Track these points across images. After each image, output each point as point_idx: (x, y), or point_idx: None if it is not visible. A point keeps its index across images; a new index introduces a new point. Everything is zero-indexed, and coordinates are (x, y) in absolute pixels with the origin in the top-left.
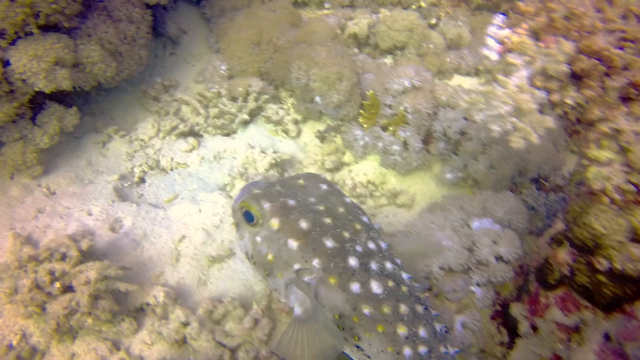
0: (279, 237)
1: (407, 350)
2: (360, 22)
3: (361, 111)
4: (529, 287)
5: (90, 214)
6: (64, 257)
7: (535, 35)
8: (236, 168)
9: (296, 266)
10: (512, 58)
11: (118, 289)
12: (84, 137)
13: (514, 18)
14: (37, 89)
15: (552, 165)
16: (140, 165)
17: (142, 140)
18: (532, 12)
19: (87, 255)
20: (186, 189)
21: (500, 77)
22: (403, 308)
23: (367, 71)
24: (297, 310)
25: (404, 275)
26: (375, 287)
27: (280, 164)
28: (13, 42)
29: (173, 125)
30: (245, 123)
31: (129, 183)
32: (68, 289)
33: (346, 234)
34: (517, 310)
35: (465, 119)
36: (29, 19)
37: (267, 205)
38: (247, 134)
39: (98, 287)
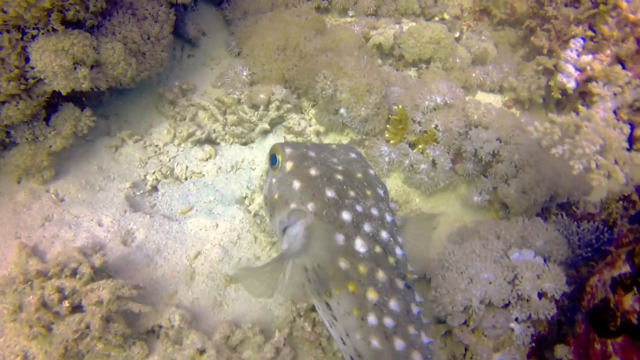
0: (287, 178)
1: (372, 318)
2: (385, 32)
3: (388, 126)
4: (575, 328)
5: (100, 225)
6: (74, 273)
7: (621, 63)
8: (255, 180)
9: (292, 205)
10: (597, 88)
11: (130, 310)
12: (96, 140)
13: (595, 44)
14: (55, 89)
15: (582, 190)
16: (153, 173)
17: (156, 146)
18: (618, 38)
19: (99, 272)
20: (201, 200)
21: (584, 109)
22: (381, 275)
23: (392, 84)
24: (284, 247)
25: (398, 251)
26: (360, 245)
27: None
28: (33, 38)
29: (190, 132)
30: (265, 132)
31: (141, 191)
32: (77, 308)
33: (351, 193)
34: (563, 352)
35: (499, 140)
36: (53, 15)
37: (288, 150)
38: (267, 144)
39: (110, 308)
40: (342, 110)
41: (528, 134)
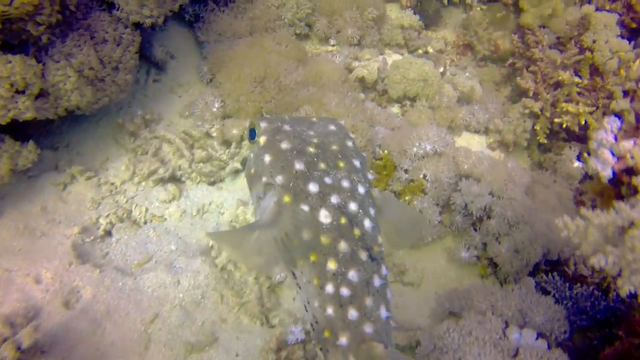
0: (261, 152)
1: (329, 287)
2: (369, 66)
3: (371, 171)
4: None
5: (38, 281)
6: None
7: None
8: (223, 227)
9: (264, 179)
10: None
11: None
12: (40, 176)
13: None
14: None
15: (573, 245)
16: (107, 216)
17: (112, 184)
18: None
19: (28, 352)
20: (162, 250)
21: (626, 208)
22: (343, 245)
23: (377, 123)
24: (256, 219)
25: (367, 223)
26: (324, 216)
27: None
28: None
29: (151, 169)
30: (237, 172)
31: (92, 237)
32: None
33: (322, 165)
34: None
35: (492, 194)
36: None
37: (263, 125)
38: (238, 184)
39: None
40: None
41: (521, 189)
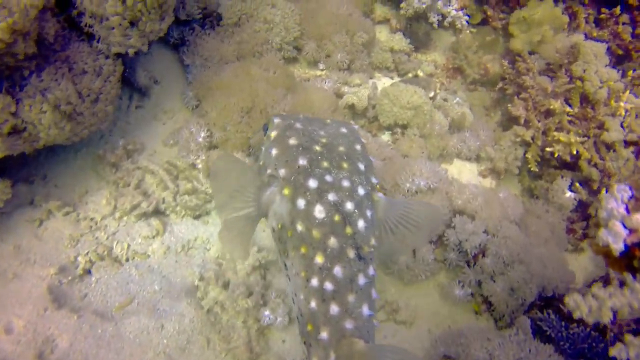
0: (270, 146)
1: (314, 280)
2: (359, 92)
3: None
4: None
5: (9, 331)
6: None
7: None
8: (209, 264)
9: (269, 171)
10: None
11: None
12: (14, 213)
13: None
14: None
15: (568, 280)
16: (87, 254)
17: (92, 219)
18: None
19: None
20: (145, 290)
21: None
22: (332, 241)
23: (368, 153)
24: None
25: (361, 223)
26: (318, 211)
27: (264, 265)
28: None
29: (134, 204)
30: None
31: (70, 278)
32: None
33: (325, 164)
34: None
35: (486, 232)
36: None
37: (277, 121)
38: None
39: None
40: None
41: (516, 226)
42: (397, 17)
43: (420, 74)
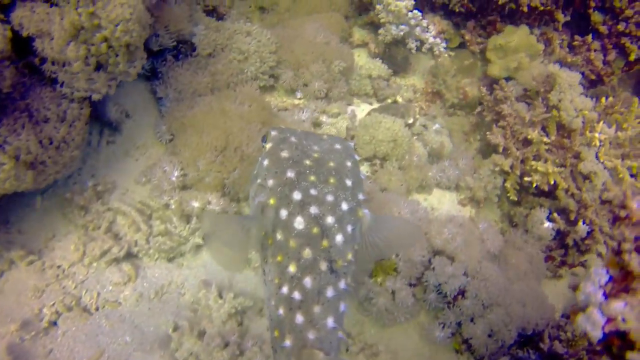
0: (263, 157)
1: (285, 288)
2: (337, 125)
3: None
4: None
5: None
6: None
7: None
8: (184, 311)
9: (258, 180)
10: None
11: None
12: None
13: (620, 282)
14: None
15: (547, 317)
16: (52, 305)
17: (59, 267)
18: None
19: None
20: (116, 342)
21: None
22: (307, 252)
23: None
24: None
25: (339, 238)
26: (298, 222)
27: (240, 312)
28: None
29: (104, 249)
30: (198, 247)
31: (33, 333)
32: None
33: (312, 178)
34: None
35: (466, 274)
36: None
37: (273, 133)
38: (199, 260)
39: None
40: None
41: (495, 265)
42: (375, 41)
43: (400, 99)
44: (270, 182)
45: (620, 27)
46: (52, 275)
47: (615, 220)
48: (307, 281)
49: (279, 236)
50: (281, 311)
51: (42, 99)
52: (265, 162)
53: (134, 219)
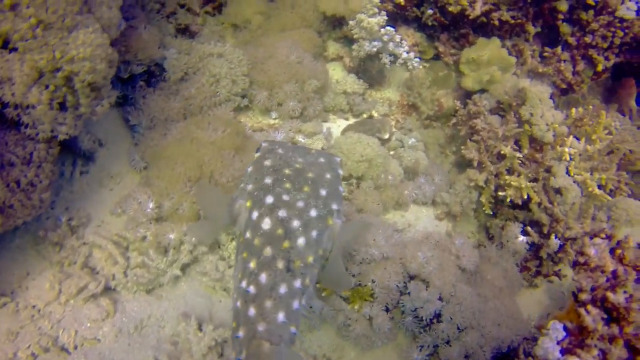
0: (250, 165)
1: (244, 282)
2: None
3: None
4: None
5: None
6: None
7: None
8: (165, 344)
9: (241, 185)
10: None
11: None
12: None
13: (577, 336)
14: None
15: (522, 335)
16: (28, 347)
17: (34, 307)
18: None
19: None
20: None
21: None
22: (268, 251)
23: None
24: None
25: (301, 240)
26: (265, 223)
27: (221, 343)
28: None
29: (81, 286)
30: (177, 278)
31: None
32: None
33: (287, 185)
34: None
35: (441, 299)
36: None
37: (264, 145)
38: (179, 291)
39: None
40: None
41: (470, 287)
42: (350, 55)
43: (375, 114)
44: (250, 187)
45: (587, 39)
46: (26, 317)
47: (575, 264)
48: (263, 277)
49: (247, 235)
50: (238, 304)
51: (7, 143)
52: (250, 169)
53: (110, 252)
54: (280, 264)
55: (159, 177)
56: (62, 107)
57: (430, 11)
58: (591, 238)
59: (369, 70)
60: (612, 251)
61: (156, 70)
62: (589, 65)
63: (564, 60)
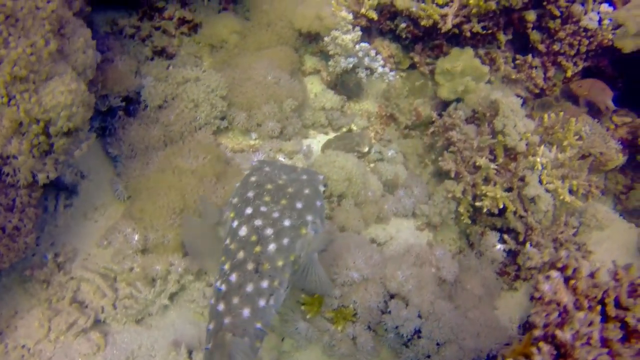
0: (239, 181)
1: (218, 282)
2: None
3: (303, 296)
4: None
5: None
6: None
7: None
8: None
9: (229, 199)
10: None
11: None
12: None
13: None
14: None
15: (500, 342)
16: None
17: (23, 347)
18: None
19: None
20: None
21: None
22: (241, 255)
23: None
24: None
25: (271, 246)
26: (242, 231)
27: None
28: None
29: (70, 322)
30: (166, 307)
31: None
32: None
33: (267, 198)
34: None
35: (420, 316)
36: None
37: (254, 164)
38: (168, 319)
39: None
40: None
41: (449, 303)
42: (327, 69)
43: (354, 127)
44: (235, 200)
45: (556, 47)
46: (16, 357)
47: (532, 298)
48: (233, 276)
49: (227, 241)
50: (212, 300)
51: None
52: (238, 185)
53: (98, 285)
54: (250, 266)
55: (142, 210)
56: (42, 153)
57: (403, 24)
58: (551, 266)
59: (347, 83)
60: (567, 280)
61: (135, 97)
62: (559, 70)
63: (535, 67)
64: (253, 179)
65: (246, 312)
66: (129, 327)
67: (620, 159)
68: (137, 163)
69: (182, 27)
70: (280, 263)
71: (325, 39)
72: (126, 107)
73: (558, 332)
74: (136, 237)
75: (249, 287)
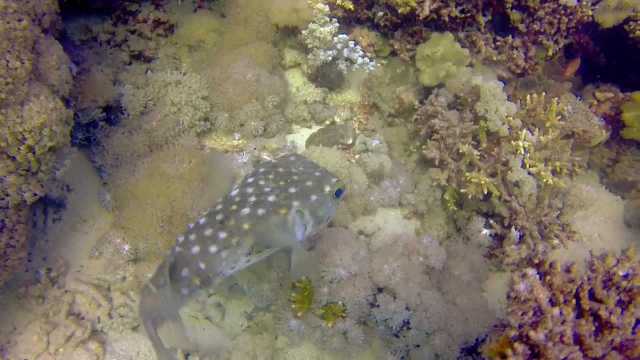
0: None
1: (191, 223)
2: None
3: (293, 294)
4: None
5: None
6: None
7: None
8: None
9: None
10: None
11: None
12: None
13: None
14: None
15: (488, 325)
16: None
17: None
18: None
19: None
20: None
21: None
22: (218, 207)
23: None
24: None
25: (246, 209)
26: (233, 192)
27: None
28: None
29: (68, 335)
30: None
31: None
32: None
33: (271, 176)
34: None
35: (408, 308)
36: None
37: (263, 161)
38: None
39: None
40: (244, 286)
41: (437, 292)
42: (307, 62)
43: (338, 119)
44: (250, 173)
45: (536, 26)
46: None
47: (508, 297)
48: (201, 220)
49: (219, 199)
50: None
51: None
52: (246, 174)
53: (93, 296)
54: (219, 217)
55: (130, 219)
56: (27, 173)
57: (380, 13)
58: (528, 260)
59: (328, 75)
60: (543, 276)
61: (115, 105)
62: (540, 49)
63: (516, 48)
64: (274, 161)
65: (195, 249)
66: (126, 335)
67: (603, 135)
68: (123, 172)
69: (157, 29)
70: (245, 226)
71: (303, 32)
72: (107, 117)
73: (532, 333)
74: (126, 247)
75: (208, 232)
